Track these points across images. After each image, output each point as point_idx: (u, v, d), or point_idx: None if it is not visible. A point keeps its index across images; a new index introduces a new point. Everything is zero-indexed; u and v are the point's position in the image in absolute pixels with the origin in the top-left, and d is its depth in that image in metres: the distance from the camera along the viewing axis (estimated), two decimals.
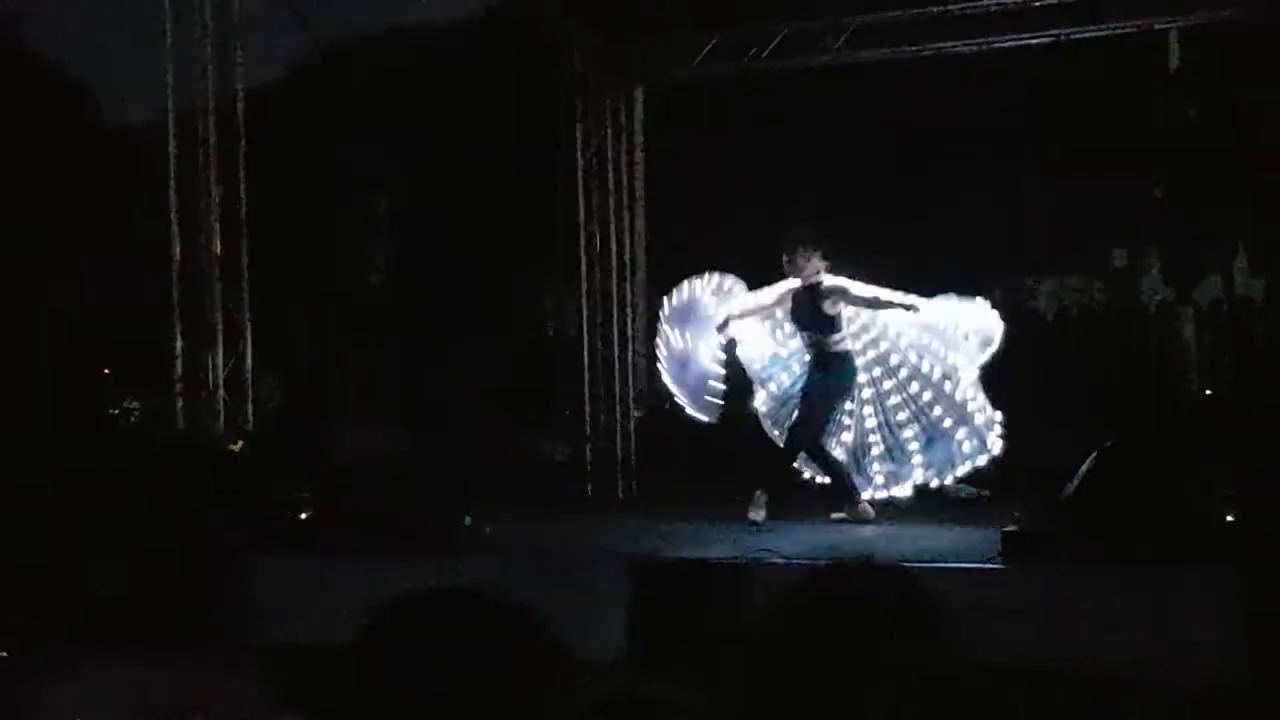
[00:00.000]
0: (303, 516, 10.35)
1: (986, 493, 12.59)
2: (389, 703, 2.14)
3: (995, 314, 10.90)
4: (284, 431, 12.41)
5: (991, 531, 9.64)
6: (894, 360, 11.03)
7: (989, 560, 9.06)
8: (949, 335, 10.90)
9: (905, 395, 11.02)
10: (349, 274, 15.17)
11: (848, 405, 11.07)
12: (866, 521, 10.70)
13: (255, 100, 11.06)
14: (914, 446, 11.11)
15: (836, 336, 10.79)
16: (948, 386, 10.92)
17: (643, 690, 3.76)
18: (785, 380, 11.39)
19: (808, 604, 2.30)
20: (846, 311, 10.84)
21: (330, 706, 2.25)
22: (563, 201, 14.67)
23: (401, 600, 2.26)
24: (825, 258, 10.77)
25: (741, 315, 11.11)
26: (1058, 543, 8.88)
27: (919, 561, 9.12)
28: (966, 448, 10.92)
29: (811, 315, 10.80)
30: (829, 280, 10.73)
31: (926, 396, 10.94)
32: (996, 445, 10.91)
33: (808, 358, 11.01)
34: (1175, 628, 7.67)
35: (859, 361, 10.96)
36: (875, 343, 11.08)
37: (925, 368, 10.97)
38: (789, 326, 11.18)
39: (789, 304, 10.97)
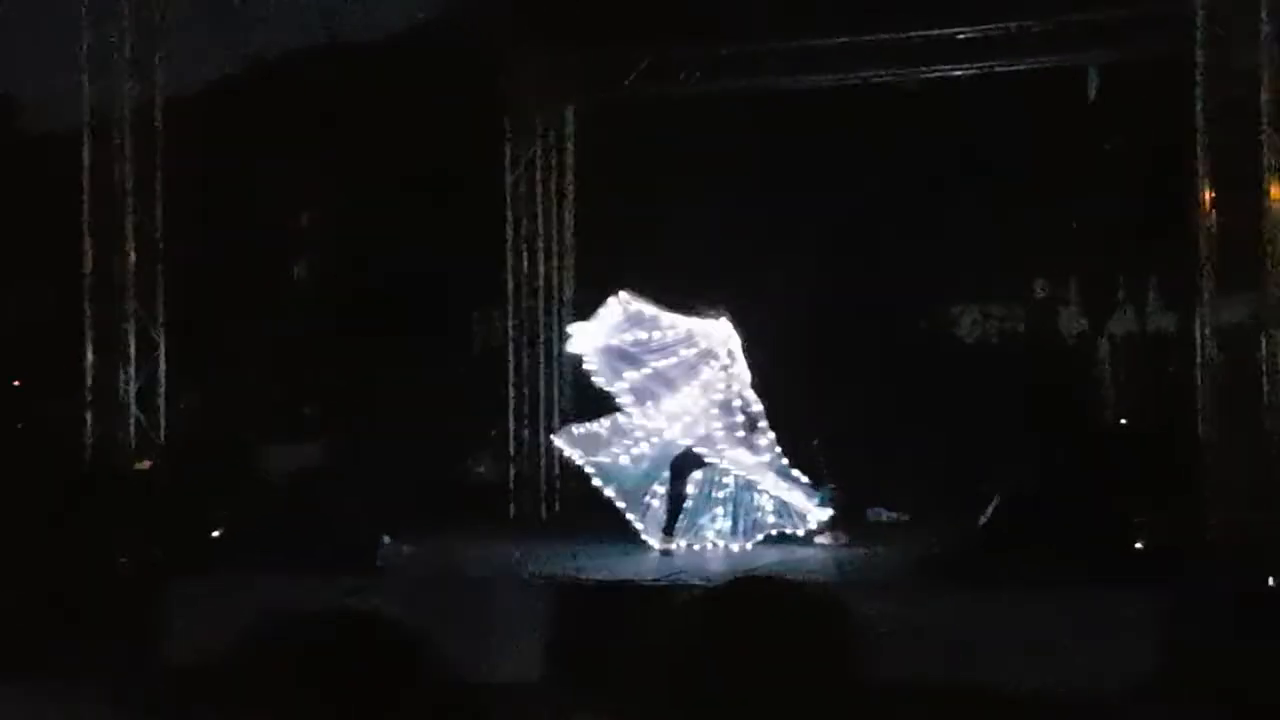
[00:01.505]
0: (215, 534, 10.22)
1: (905, 516, 12.71)
2: None
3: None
4: (201, 447, 12.25)
5: (909, 554, 9.72)
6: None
7: (905, 581, 9.14)
8: None
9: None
10: (270, 289, 15.04)
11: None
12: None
13: (175, 110, 10.91)
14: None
15: None
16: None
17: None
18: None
19: (725, 623, 2.31)
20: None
21: None
22: (490, 219, 14.59)
23: (294, 624, 2.22)
24: None
25: None
26: (972, 566, 8.97)
27: (837, 581, 9.19)
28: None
29: None
30: None
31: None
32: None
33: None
34: (1086, 649, 7.75)
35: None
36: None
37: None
38: None
39: None
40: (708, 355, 11.21)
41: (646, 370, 11.06)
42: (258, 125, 14.23)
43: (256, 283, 15.02)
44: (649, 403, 11.09)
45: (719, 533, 11.07)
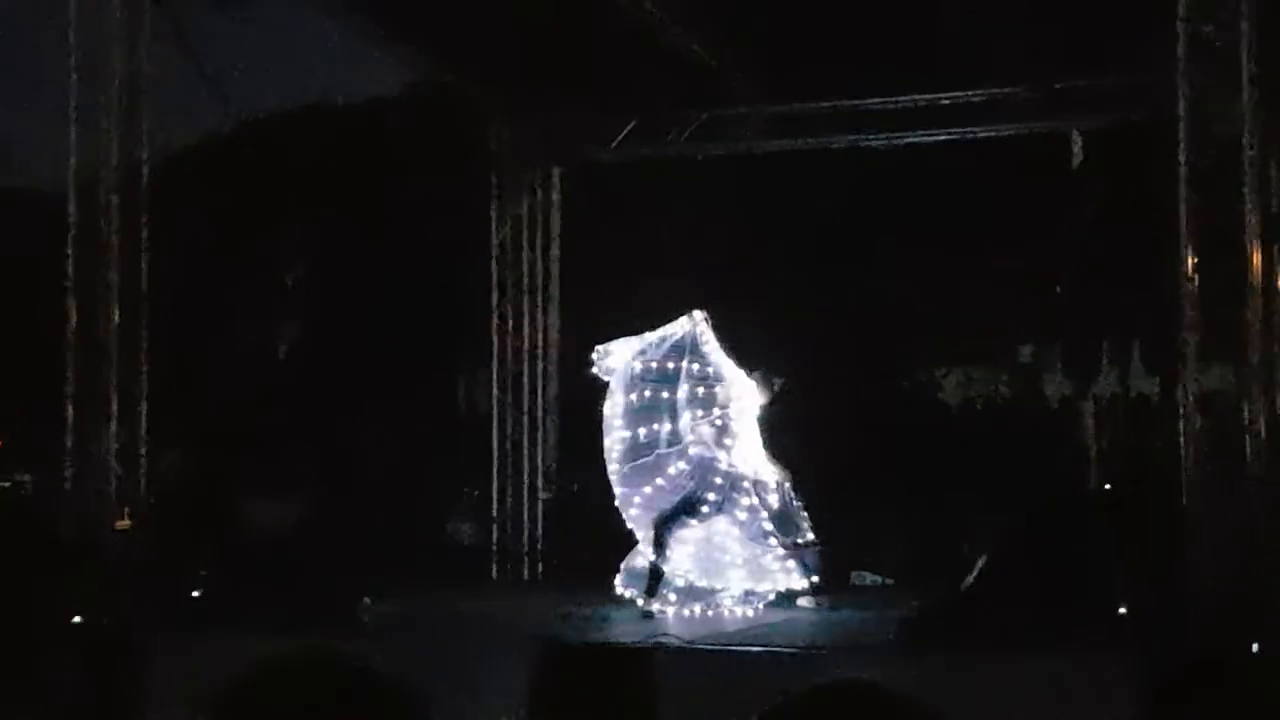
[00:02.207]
0: (195, 594, 10.15)
1: (890, 580, 12.68)
2: None
3: None
4: (183, 507, 12.20)
5: (891, 617, 9.69)
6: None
7: (888, 645, 9.11)
8: None
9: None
10: (255, 348, 15.01)
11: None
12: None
13: (161, 169, 10.93)
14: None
15: None
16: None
17: None
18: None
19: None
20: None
21: None
22: (477, 280, 14.62)
23: (270, 667, 2.19)
24: None
25: None
26: (955, 630, 8.93)
27: (820, 646, 9.16)
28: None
29: None
30: None
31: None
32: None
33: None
34: (1066, 713, 7.71)
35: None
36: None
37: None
38: None
39: None
40: (705, 402, 11.18)
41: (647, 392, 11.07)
42: (245, 184, 14.26)
43: (241, 340, 15.01)
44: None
45: (734, 598, 11.02)
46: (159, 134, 10.87)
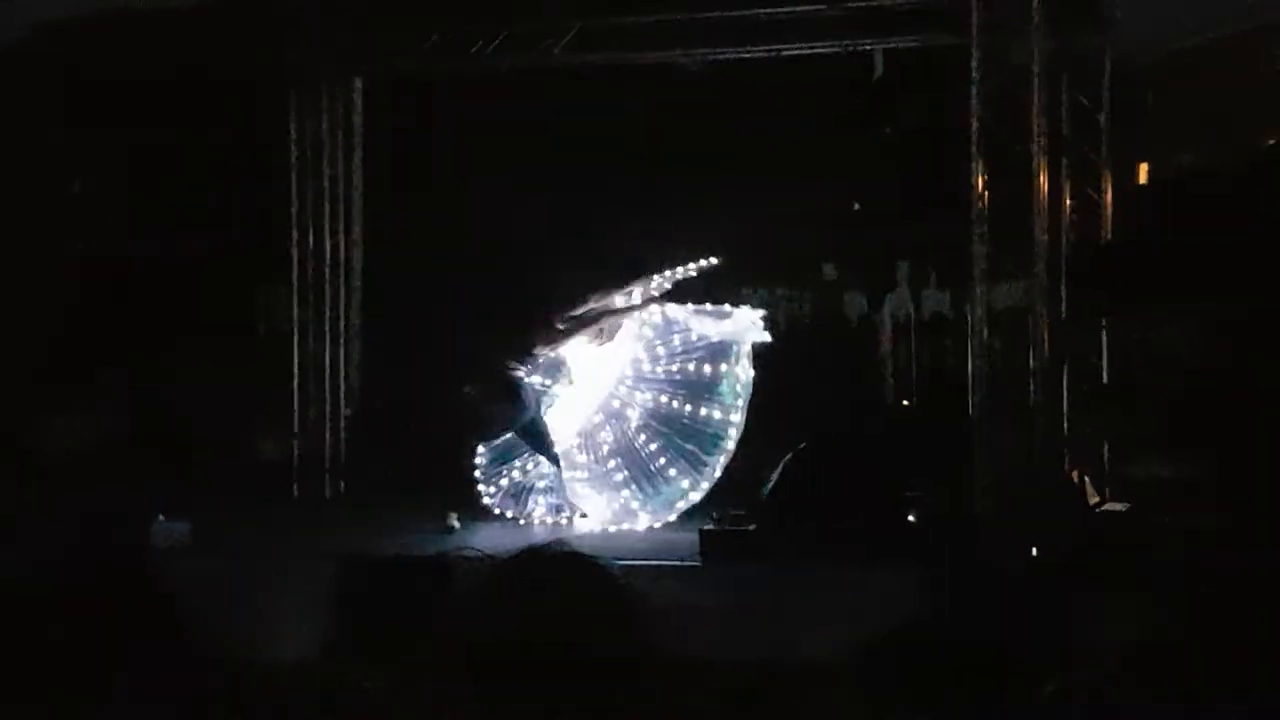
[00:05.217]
0: None
1: None
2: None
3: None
4: None
5: (691, 531, 9.86)
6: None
7: (687, 559, 9.27)
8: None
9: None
10: (41, 260, 14.49)
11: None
12: None
13: None
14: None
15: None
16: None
17: (334, 676, 3.69)
18: None
19: (508, 591, 2.30)
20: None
21: None
22: (276, 194, 14.27)
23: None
24: None
25: None
26: (752, 542, 9.14)
27: (619, 559, 9.26)
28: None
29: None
30: None
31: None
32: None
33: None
34: (857, 622, 7.94)
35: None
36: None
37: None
38: None
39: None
40: None
41: None
42: (35, 92, 13.67)
43: (28, 253, 14.46)
44: None
45: (544, 509, 11.18)
46: None
